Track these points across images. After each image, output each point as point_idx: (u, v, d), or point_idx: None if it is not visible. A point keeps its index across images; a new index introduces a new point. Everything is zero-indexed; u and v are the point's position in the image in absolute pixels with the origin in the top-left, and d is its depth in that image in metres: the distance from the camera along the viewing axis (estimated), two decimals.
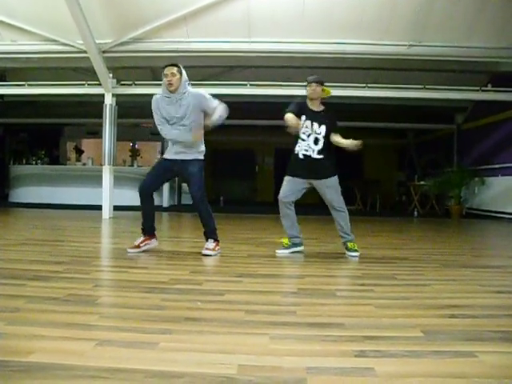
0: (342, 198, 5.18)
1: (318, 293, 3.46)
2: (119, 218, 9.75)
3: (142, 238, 5.12)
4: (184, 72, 4.92)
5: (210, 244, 5.05)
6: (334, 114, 5.23)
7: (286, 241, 5.39)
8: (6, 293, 3.10)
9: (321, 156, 5.09)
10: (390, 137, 17.80)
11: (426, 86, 10.16)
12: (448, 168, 13.21)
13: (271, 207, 14.66)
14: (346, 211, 5.19)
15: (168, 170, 5.07)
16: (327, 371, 1.95)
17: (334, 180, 5.15)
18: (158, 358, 2.05)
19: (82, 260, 4.53)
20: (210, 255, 4.92)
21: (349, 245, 5.17)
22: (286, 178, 5.33)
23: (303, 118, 5.09)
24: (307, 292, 3.44)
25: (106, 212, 9.89)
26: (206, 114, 4.96)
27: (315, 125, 5.09)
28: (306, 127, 5.09)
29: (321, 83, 5.16)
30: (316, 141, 5.10)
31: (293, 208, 5.38)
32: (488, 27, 8.91)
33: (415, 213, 12.40)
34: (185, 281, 3.67)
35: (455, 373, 1.95)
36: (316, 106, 5.20)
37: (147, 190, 5.01)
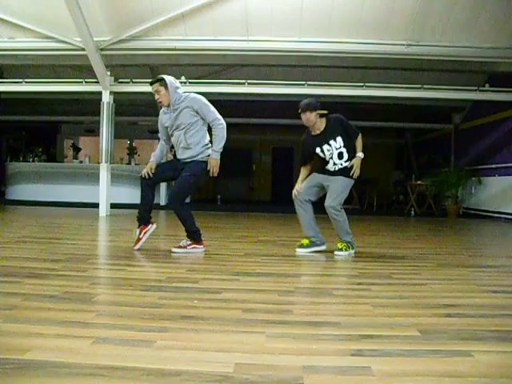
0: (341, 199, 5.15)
1: (314, 291, 3.46)
2: (116, 216, 9.74)
3: (138, 230, 5.12)
4: (170, 81, 4.89)
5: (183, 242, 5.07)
6: (336, 118, 5.18)
7: (305, 241, 5.32)
8: (3, 290, 3.10)
9: (348, 162, 5.12)
10: (387, 136, 17.83)
11: (424, 86, 10.17)
12: (445, 168, 13.23)
13: (268, 206, 14.73)
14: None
15: (174, 169, 5.05)
16: (324, 370, 1.95)
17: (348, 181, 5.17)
18: (154, 355, 2.05)
19: (79, 258, 4.53)
20: (176, 252, 4.97)
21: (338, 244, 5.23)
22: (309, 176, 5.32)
23: (317, 149, 5.16)
24: (304, 291, 3.44)
25: (103, 210, 9.89)
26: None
27: (332, 143, 5.09)
28: (328, 150, 5.11)
29: (314, 109, 5.09)
30: (340, 155, 5.12)
31: (307, 207, 5.28)
32: (486, 27, 8.92)
33: (412, 212, 12.42)
34: (181, 279, 3.67)
35: (451, 372, 1.95)
36: (318, 129, 5.18)
37: (150, 178, 4.99)
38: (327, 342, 2.29)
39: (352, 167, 5.09)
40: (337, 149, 5.09)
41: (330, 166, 5.16)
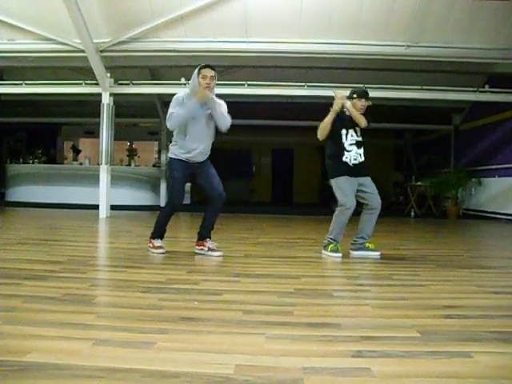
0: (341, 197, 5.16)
1: (314, 293, 3.46)
2: (116, 218, 9.74)
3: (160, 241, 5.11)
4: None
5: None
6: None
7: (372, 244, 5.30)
8: (3, 292, 3.10)
9: (364, 157, 5.19)
10: (387, 137, 17.81)
11: (424, 87, 10.17)
12: (445, 169, 13.23)
13: (268, 207, 14.73)
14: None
15: (186, 177, 5.09)
16: (323, 371, 1.95)
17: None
18: (154, 357, 2.05)
19: (79, 259, 4.53)
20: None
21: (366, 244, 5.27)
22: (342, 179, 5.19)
23: (343, 131, 5.16)
24: (304, 292, 3.44)
25: (103, 211, 9.88)
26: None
27: (357, 130, 5.17)
28: (352, 136, 5.15)
29: (368, 98, 5.23)
30: (359, 144, 5.17)
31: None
32: (485, 28, 8.93)
33: (412, 213, 12.41)
34: (182, 280, 3.67)
35: (451, 373, 1.95)
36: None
37: (180, 206, 5.09)
38: (327, 343, 2.29)
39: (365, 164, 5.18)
40: (358, 137, 5.17)
41: (353, 156, 5.14)
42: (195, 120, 4.78)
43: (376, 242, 6.69)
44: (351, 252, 5.19)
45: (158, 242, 5.02)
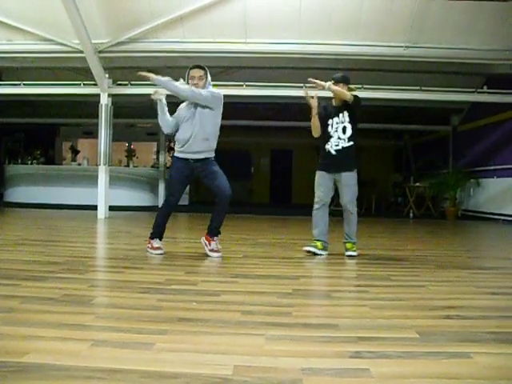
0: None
1: (313, 294, 3.47)
2: (114, 218, 9.73)
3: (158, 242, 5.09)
4: (209, 74, 4.91)
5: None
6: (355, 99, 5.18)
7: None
8: (1, 293, 3.09)
9: (350, 143, 5.16)
10: (386, 138, 17.84)
11: (422, 88, 10.18)
12: (444, 169, 13.24)
13: (267, 208, 14.73)
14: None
15: (186, 179, 5.09)
16: (322, 372, 1.95)
17: (355, 172, 5.26)
18: (153, 358, 2.04)
19: (77, 260, 4.52)
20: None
21: (347, 245, 5.21)
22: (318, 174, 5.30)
23: (329, 121, 5.21)
24: (302, 293, 3.44)
25: (102, 212, 9.88)
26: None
27: (340, 115, 5.15)
28: (336, 123, 5.17)
29: (347, 82, 5.20)
30: (344, 129, 5.15)
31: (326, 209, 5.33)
32: (483, 30, 8.94)
33: (411, 214, 12.43)
34: (180, 281, 3.67)
35: (450, 374, 1.95)
36: (338, 102, 5.23)
37: (176, 204, 5.08)
38: (326, 344, 2.29)
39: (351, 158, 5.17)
40: (342, 122, 5.14)
41: (334, 142, 5.16)
42: (184, 118, 4.89)
43: (374, 242, 6.70)
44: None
45: (156, 243, 4.99)
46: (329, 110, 5.25)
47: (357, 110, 5.19)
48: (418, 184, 13.16)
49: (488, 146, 11.98)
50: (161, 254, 4.93)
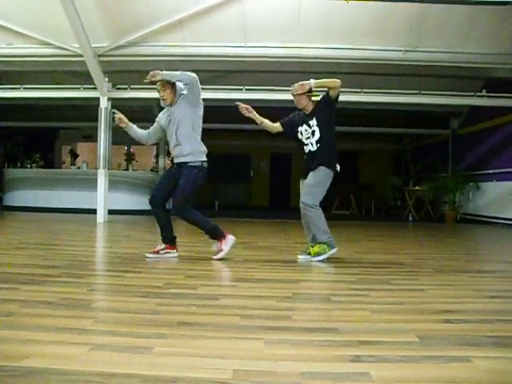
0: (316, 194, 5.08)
1: (312, 298, 3.46)
2: (114, 222, 9.73)
3: (163, 246, 5.09)
4: (178, 85, 4.88)
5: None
6: (320, 99, 5.13)
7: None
8: (0, 297, 3.09)
9: (317, 147, 5.08)
10: (385, 142, 17.84)
11: (422, 92, 10.21)
12: (443, 173, 13.25)
13: (266, 212, 14.73)
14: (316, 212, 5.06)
15: (173, 177, 5.00)
16: (322, 376, 1.95)
17: (320, 170, 5.07)
18: (152, 362, 2.04)
19: (77, 264, 4.52)
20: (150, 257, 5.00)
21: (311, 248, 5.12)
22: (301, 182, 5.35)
23: (299, 128, 5.21)
24: (302, 297, 3.44)
25: (101, 216, 9.87)
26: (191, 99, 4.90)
27: (310, 122, 5.10)
28: (306, 130, 5.14)
29: (303, 92, 5.07)
30: (313, 133, 5.10)
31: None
32: (482, 34, 8.96)
33: (410, 218, 12.43)
34: (180, 285, 3.67)
35: (449, 378, 1.95)
36: (309, 110, 5.17)
37: (155, 201, 4.99)
38: (326, 348, 2.28)
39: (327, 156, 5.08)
40: (311, 127, 5.10)
41: (305, 148, 5.18)
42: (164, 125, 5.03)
43: (374, 246, 6.70)
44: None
45: (160, 246, 5.09)
46: (300, 117, 5.24)
47: (329, 108, 5.07)
48: (417, 187, 13.17)
49: (487, 150, 11.99)
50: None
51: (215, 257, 4.94)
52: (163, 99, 4.88)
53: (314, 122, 5.07)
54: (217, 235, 5.04)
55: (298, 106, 5.17)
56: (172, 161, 5.09)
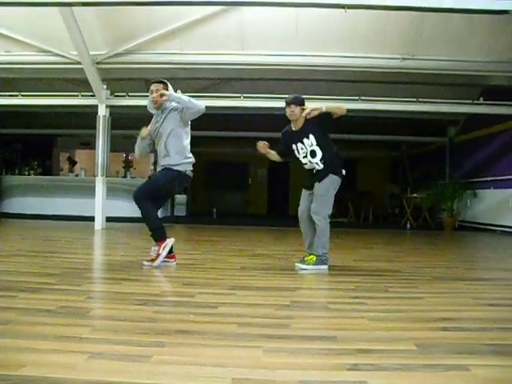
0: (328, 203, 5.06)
1: (310, 306, 3.46)
2: (112, 230, 9.71)
3: (156, 248, 5.05)
4: (171, 88, 4.93)
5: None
6: (317, 117, 5.02)
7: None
8: None
9: (323, 165, 5.05)
10: (382, 149, 17.86)
11: (419, 99, 10.24)
12: (440, 181, 13.27)
13: (264, 219, 14.73)
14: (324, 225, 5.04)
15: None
16: None
17: (328, 178, 5.06)
18: (150, 371, 2.04)
19: (74, 272, 4.51)
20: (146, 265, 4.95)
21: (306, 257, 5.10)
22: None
23: (293, 146, 5.16)
24: (300, 305, 3.44)
25: (99, 223, 9.86)
26: (186, 118, 4.93)
27: (305, 141, 5.05)
28: (302, 149, 5.10)
29: (300, 103, 5.05)
30: (313, 153, 5.05)
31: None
32: (479, 42, 9.00)
33: (408, 225, 12.43)
34: (177, 293, 3.67)
35: None
36: (297, 125, 5.13)
37: (136, 194, 4.96)
38: (323, 356, 2.28)
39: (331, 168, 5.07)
40: (309, 146, 5.04)
41: (308, 166, 5.16)
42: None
43: (372, 253, 6.70)
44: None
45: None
46: (289, 136, 5.20)
47: (328, 124, 5.01)
48: (415, 195, 13.18)
49: (485, 157, 12.02)
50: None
51: (150, 264, 4.89)
52: (155, 101, 4.89)
53: (311, 141, 5.02)
54: (159, 236, 4.97)
55: (292, 117, 5.08)
56: None
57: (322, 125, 4.98)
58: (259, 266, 5.21)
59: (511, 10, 5.90)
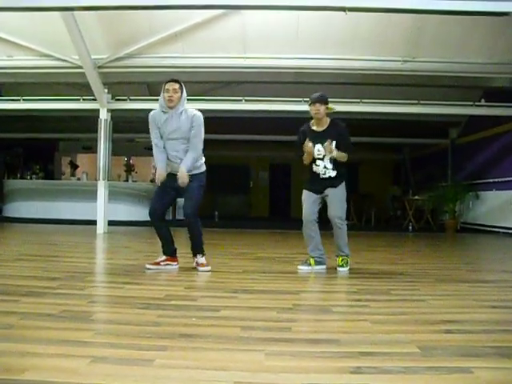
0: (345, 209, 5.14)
1: (313, 309, 3.45)
2: (114, 233, 9.71)
3: (164, 257, 5.08)
4: (184, 90, 4.90)
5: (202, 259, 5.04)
6: (341, 124, 5.12)
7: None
8: (0, 309, 3.08)
9: (336, 171, 5.07)
10: (384, 151, 17.86)
11: (421, 101, 10.24)
12: (442, 182, 13.26)
13: (266, 222, 14.72)
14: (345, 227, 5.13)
15: (170, 187, 4.96)
16: None
17: (343, 185, 5.13)
18: (153, 375, 2.03)
19: (77, 276, 4.51)
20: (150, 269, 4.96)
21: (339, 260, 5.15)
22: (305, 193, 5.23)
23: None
24: (302, 308, 3.43)
25: (101, 227, 9.86)
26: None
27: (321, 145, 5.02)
28: (318, 150, 5.04)
29: (325, 102, 5.02)
30: (331, 159, 5.04)
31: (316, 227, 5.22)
32: (480, 44, 9.00)
33: (410, 227, 12.41)
34: (180, 297, 3.66)
35: None
36: (321, 126, 5.10)
37: (155, 213, 4.94)
38: (326, 359, 2.27)
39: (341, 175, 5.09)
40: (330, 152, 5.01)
41: (321, 169, 5.08)
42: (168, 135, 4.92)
43: (374, 256, 6.70)
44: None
45: (160, 258, 5.07)
46: (309, 135, 5.10)
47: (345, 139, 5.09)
48: (416, 197, 13.17)
49: (486, 159, 12.02)
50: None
51: (149, 265, 5.00)
52: (171, 99, 4.79)
53: (333, 145, 5.00)
54: (203, 249, 5.06)
55: (317, 115, 5.02)
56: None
57: (341, 141, 5.04)
58: (261, 269, 5.21)
59: (511, 12, 5.88)
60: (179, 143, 4.86)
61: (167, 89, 4.79)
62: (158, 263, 5.01)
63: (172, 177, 4.91)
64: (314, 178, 5.17)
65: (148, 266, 4.97)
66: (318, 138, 5.03)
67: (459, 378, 2.05)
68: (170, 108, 4.80)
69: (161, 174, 4.90)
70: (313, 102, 5.02)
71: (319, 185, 5.14)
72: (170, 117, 4.82)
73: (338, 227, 5.06)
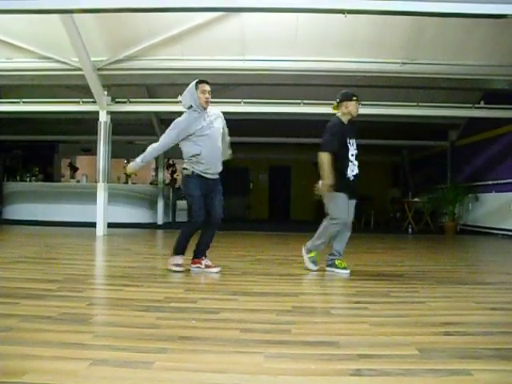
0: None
1: (312, 311, 3.45)
2: (113, 236, 9.70)
3: (208, 262, 5.11)
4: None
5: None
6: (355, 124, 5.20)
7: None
8: None
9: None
10: (383, 154, 17.87)
11: (420, 104, 10.24)
12: (442, 184, 13.26)
13: (265, 224, 14.71)
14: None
15: (209, 191, 4.95)
16: None
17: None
18: (153, 377, 2.03)
19: (76, 278, 4.51)
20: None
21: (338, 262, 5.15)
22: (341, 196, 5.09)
23: (349, 140, 5.05)
24: (302, 310, 3.43)
25: (100, 229, 9.84)
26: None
27: (355, 145, 5.10)
28: (352, 146, 5.07)
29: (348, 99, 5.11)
30: (356, 157, 5.10)
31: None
32: (479, 46, 9.00)
33: (409, 229, 12.41)
34: (179, 299, 3.66)
35: None
36: (349, 121, 5.16)
37: (203, 216, 4.93)
38: (326, 361, 2.28)
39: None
40: (356, 149, 5.09)
41: (351, 167, 5.04)
42: (207, 135, 4.90)
43: (373, 258, 6.69)
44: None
45: (179, 259, 5.02)
46: (345, 128, 5.06)
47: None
48: (416, 199, 13.17)
49: (486, 161, 12.02)
50: (180, 272, 4.94)
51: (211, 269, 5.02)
52: (208, 101, 4.99)
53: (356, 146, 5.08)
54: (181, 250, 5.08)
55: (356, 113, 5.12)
56: (192, 173, 4.91)
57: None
58: (260, 272, 5.21)
59: (510, 15, 5.89)
60: (218, 141, 4.98)
61: (204, 90, 4.95)
62: (208, 266, 5.05)
63: (203, 181, 4.91)
64: (350, 181, 5.10)
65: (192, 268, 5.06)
66: (353, 132, 5.13)
67: (458, 380, 2.06)
68: (205, 109, 4.96)
69: (135, 170, 5.15)
70: (357, 100, 5.12)
71: (355, 189, 5.22)
72: (203, 117, 4.96)
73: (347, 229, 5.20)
